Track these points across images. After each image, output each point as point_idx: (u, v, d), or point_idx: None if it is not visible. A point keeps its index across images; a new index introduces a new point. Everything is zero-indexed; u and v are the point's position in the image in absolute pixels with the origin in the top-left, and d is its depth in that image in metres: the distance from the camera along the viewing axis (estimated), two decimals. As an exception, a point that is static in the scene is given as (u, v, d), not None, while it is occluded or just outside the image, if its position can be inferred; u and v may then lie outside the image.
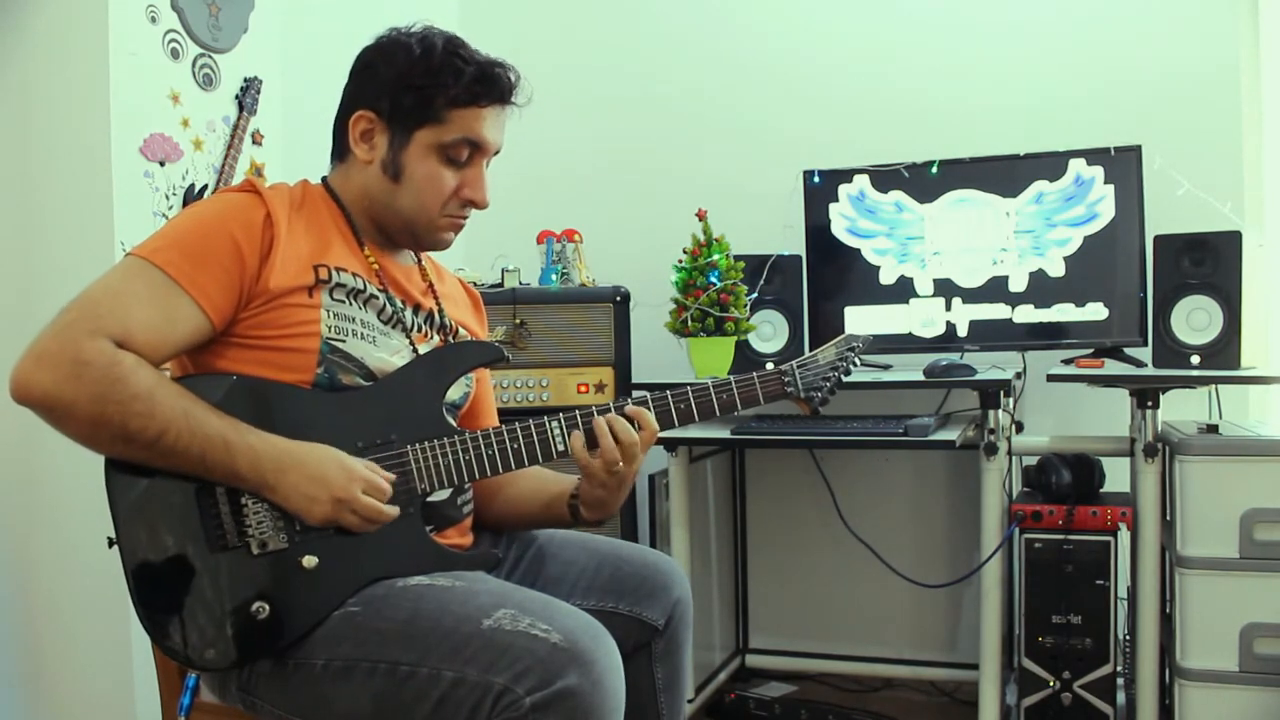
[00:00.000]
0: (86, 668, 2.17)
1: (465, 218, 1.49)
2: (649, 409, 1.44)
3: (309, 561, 1.30)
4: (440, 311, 1.53)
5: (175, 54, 2.23)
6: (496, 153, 1.48)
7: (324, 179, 1.50)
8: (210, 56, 2.32)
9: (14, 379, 1.21)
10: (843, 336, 1.56)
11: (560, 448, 1.43)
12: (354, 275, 1.41)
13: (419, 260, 1.57)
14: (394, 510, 1.34)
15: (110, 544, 1.29)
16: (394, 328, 1.44)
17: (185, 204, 2.24)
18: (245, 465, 1.27)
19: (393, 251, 1.52)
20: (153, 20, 2.18)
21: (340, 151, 1.48)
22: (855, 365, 1.54)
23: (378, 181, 1.44)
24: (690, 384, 1.48)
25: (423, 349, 1.46)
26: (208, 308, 1.30)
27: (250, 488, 1.29)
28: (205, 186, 2.30)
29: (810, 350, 1.62)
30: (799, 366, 1.50)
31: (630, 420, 1.42)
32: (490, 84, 1.42)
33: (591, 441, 1.41)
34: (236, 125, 2.38)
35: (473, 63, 1.41)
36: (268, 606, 1.28)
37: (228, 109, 2.37)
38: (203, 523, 1.29)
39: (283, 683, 1.30)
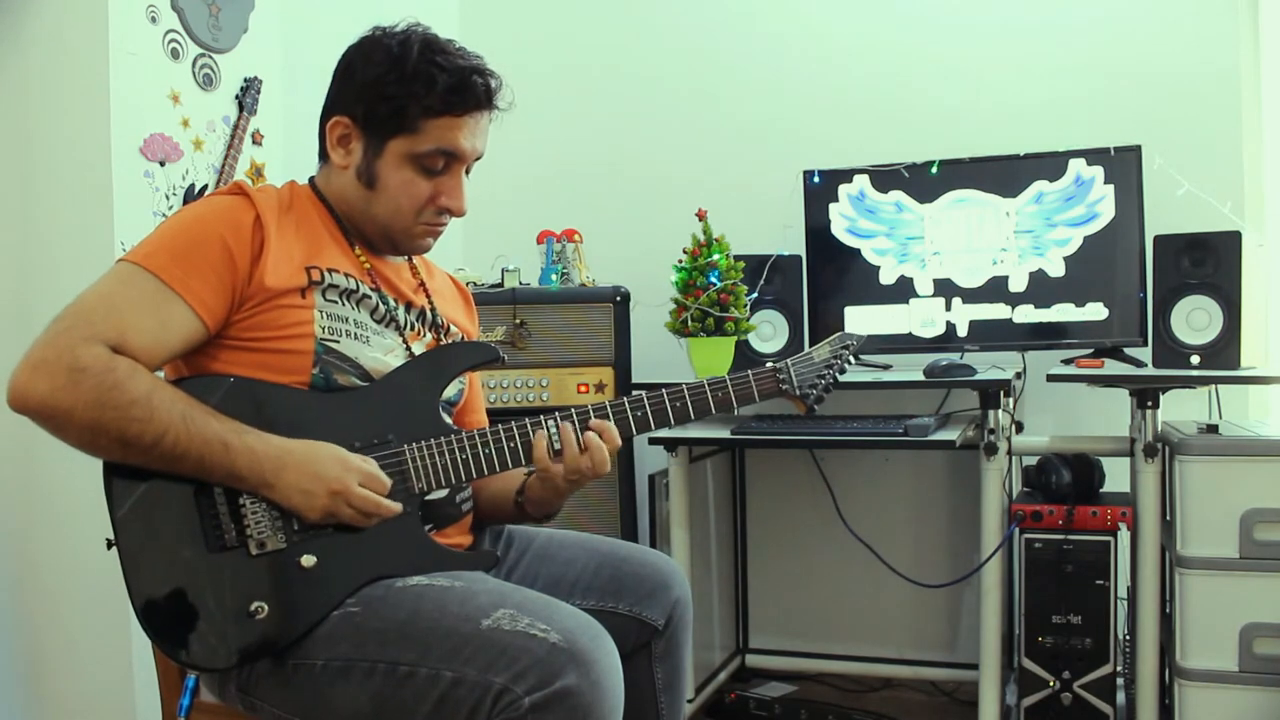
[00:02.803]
0: (86, 668, 2.18)
1: (443, 224, 1.48)
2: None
3: (307, 561, 1.30)
4: (432, 309, 1.54)
5: (175, 54, 2.23)
6: (478, 158, 1.46)
7: (311, 179, 1.50)
8: (210, 56, 2.32)
9: (11, 389, 1.21)
10: (837, 335, 1.57)
11: (556, 446, 1.43)
12: (346, 276, 1.41)
13: (409, 257, 1.57)
14: (394, 505, 1.33)
15: (109, 546, 1.29)
16: (387, 326, 1.44)
17: (185, 204, 2.24)
18: (244, 466, 1.27)
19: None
20: (153, 20, 2.18)
21: (323, 153, 1.47)
22: (850, 363, 1.55)
23: (353, 187, 1.44)
24: (686, 383, 1.48)
25: (416, 347, 1.46)
26: (201, 311, 1.30)
27: (249, 488, 1.29)
28: (205, 186, 2.30)
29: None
30: (794, 363, 1.51)
31: (598, 431, 1.43)
32: (465, 93, 1.39)
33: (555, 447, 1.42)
34: (236, 125, 2.38)
35: (449, 70, 1.38)
36: (266, 606, 1.28)
37: (228, 109, 2.37)
38: (201, 523, 1.29)
39: (282, 683, 1.30)
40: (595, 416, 1.44)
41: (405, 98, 1.38)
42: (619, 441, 1.44)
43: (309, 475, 1.29)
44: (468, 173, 1.47)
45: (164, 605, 1.28)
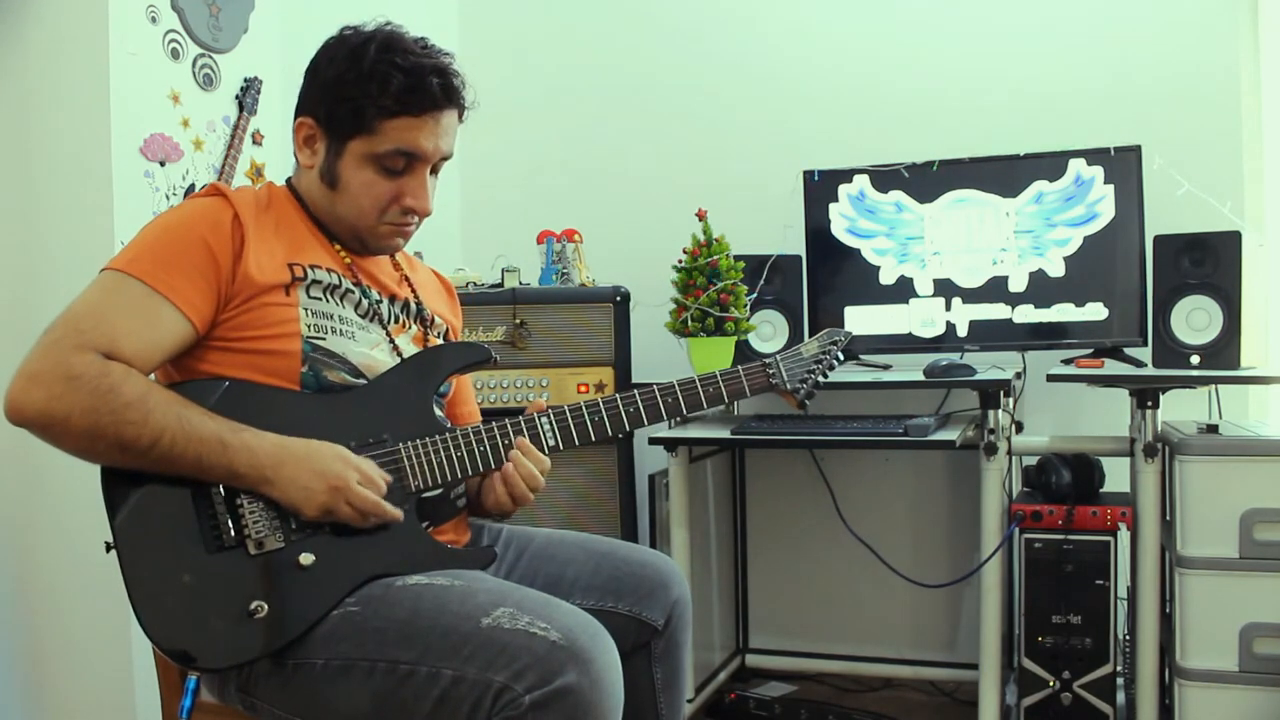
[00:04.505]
0: (86, 668, 2.18)
1: (410, 224, 1.47)
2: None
3: (306, 559, 1.30)
4: (417, 301, 1.54)
5: (175, 54, 2.24)
6: (446, 158, 1.46)
7: (288, 180, 1.52)
8: (210, 56, 2.32)
9: (7, 402, 1.22)
10: (825, 331, 1.58)
11: (550, 443, 1.44)
12: (328, 271, 1.42)
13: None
14: (395, 510, 1.34)
15: (108, 549, 1.29)
16: (371, 321, 1.44)
17: (185, 204, 2.24)
18: (242, 463, 1.27)
19: None
20: (153, 20, 2.18)
21: (295, 153, 1.48)
22: (839, 359, 1.56)
23: (318, 188, 1.45)
24: (678, 379, 1.48)
25: (400, 340, 1.47)
26: (189, 312, 1.31)
27: (248, 485, 1.29)
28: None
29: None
30: (783, 359, 1.53)
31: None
32: (421, 93, 1.38)
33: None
34: (236, 125, 2.38)
35: (405, 69, 1.37)
36: (266, 606, 1.28)
37: (228, 109, 2.37)
38: (199, 524, 1.29)
39: (282, 683, 1.30)
40: (588, 414, 1.45)
41: (362, 98, 1.38)
42: (545, 464, 1.45)
43: (308, 471, 1.29)
44: (435, 172, 1.47)
45: (163, 606, 1.28)
